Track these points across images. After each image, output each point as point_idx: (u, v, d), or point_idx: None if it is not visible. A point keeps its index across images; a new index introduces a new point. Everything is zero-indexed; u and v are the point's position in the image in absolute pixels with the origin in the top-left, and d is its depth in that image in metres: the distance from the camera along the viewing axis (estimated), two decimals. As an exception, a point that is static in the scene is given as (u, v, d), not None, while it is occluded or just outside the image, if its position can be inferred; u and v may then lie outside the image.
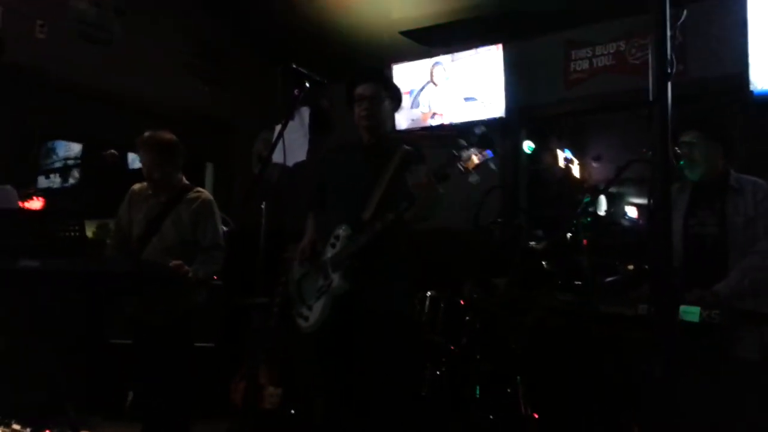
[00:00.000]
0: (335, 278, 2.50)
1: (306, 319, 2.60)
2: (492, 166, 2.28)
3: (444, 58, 4.65)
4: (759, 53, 3.40)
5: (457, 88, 4.61)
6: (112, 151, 3.07)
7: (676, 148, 2.78)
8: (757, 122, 4.38)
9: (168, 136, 3.11)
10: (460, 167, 2.21)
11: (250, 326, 2.47)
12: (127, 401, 3.10)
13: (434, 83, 4.71)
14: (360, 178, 2.61)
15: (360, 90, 2.65)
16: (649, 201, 1.65)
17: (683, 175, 2.85)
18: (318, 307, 2.55)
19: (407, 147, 2.58)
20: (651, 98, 1.56)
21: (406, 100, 4.86)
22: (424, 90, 4.77)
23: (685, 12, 1.57)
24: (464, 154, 2.22)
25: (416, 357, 3.20)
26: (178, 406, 2.92)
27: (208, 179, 5.24)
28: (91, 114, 4.43)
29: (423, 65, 4.75)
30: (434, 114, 4.72)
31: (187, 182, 3.24)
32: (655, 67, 1.57)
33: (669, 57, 1.56)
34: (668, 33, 1.57)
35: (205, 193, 3.26)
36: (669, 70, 1.55)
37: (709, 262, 2.61)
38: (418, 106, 4.82)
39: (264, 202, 2.39)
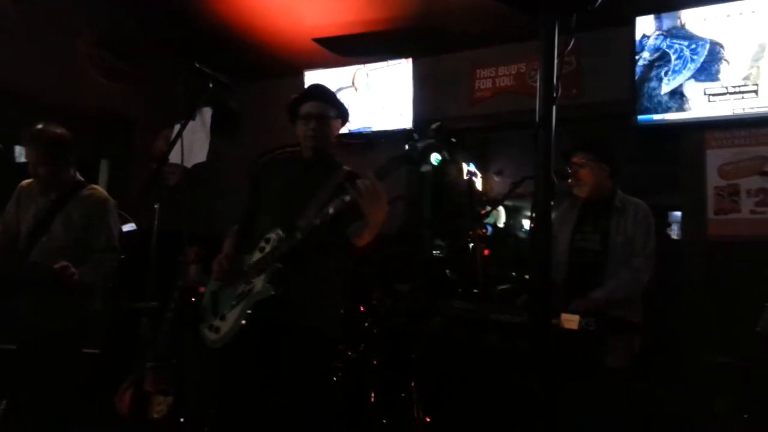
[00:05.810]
0: (258, 282, 2.36)
1: (216, 330, 2.44)
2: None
3: (362, 67, 4.69)
4: (644, 82, 3.68)
5: (369, 98, 4.67)
6: (-5, 144, 2.88)
7: (567, 168, 2.98)
8: (641, 146, 4.73)
9: (58, 130, 2.94)
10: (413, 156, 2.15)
11: (139, 332, 2.36)
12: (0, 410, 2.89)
13: (355, 88, 4.74)
14: (296, 187, 2.50)
15: (308, 108, 2.53)
16: (531, 216, 1.75)
17: (573, 192, 3.04)
18: (233, 315, 2.40)
19: (348, 168, 2.51)
20: (537, 120, 1.65)
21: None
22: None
23: (572, 41, 1.67)
24: (419, 145, 2.16)
25: (331, 382, 3.05)
26: (56, 416, 2.75)
27: (102, 176, 4.97)
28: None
29: (339, 72, 4.77)
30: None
31: (81, 179, 3.08)
32: (541, 91, 1.66)
33: (555, 83, 1.66)
34: (555, 60, 1.67)
35: (100, 191, 3.10)
36: (554, 95, 1.65)
37: (589, 275, 2.82)
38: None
39: (158, 204, 2.30)
